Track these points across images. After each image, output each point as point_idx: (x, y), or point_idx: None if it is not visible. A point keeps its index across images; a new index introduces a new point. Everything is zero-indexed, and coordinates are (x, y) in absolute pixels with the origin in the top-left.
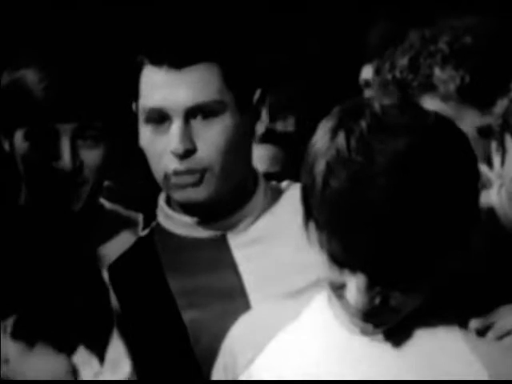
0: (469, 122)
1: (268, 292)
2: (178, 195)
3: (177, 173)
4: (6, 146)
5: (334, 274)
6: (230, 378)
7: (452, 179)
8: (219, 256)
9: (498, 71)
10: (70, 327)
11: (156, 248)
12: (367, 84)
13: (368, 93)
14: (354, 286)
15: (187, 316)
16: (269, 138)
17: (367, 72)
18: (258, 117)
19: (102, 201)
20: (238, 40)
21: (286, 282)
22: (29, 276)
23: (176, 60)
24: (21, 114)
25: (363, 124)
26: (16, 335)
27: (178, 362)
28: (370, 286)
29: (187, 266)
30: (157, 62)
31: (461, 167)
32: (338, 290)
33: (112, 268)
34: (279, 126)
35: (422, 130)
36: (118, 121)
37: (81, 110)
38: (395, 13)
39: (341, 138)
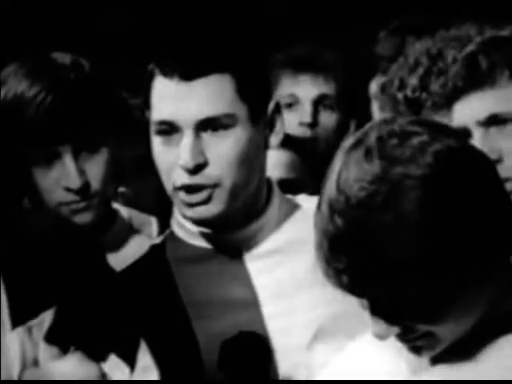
0: None
1: (281, 305)
2: (188, 212)
3: (186, 188)
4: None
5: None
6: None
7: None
8: (233, 267)
9: None
10: (102, 335)
11: (168, 257)
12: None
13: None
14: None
15: (199, 328)
16: (285, 143)
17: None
18: (272, 128)
19: (117, 206)
20: (252, 50)
21: (300, 296)
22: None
23: (187, 72)
24: (18, 136)
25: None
26: (50, 339)
27: (187, 375)
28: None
29: (200, 277)
30: (167, 73)
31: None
32: None
33: (123, 275)
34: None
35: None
36: (118, 129)
37: (76, 127)
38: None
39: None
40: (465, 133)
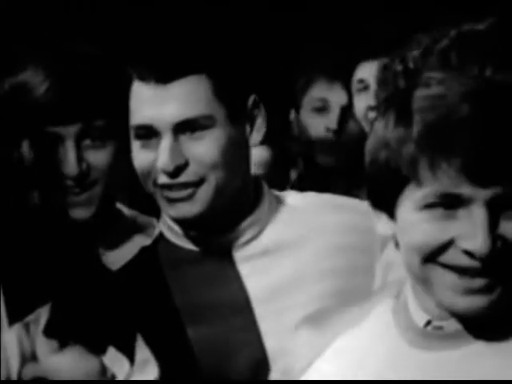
0: None
1: (274, 306)
2: (170, 210)
3: (167, 186)
4: (16, 155)
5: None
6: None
7: None
8: (224, 270)
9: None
10: (101, 328)
11: (159, 259)
12: (361, 81)
13: (360, 95)
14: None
15: (191, 331)
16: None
17: (363, 71)
18: (252, 125)
19: (120, 206)
20: (227, 49)
21: (292, 296)
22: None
23: (163, 75)
24: (24, 121)
25: None
26: (49, 334)
27: (181, 378)
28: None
29: (191, 280)
30: (144, 77)
31: None
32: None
33: (115, 277)
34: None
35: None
36: (122, 118)
37: (82, 109)
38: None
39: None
40: None
